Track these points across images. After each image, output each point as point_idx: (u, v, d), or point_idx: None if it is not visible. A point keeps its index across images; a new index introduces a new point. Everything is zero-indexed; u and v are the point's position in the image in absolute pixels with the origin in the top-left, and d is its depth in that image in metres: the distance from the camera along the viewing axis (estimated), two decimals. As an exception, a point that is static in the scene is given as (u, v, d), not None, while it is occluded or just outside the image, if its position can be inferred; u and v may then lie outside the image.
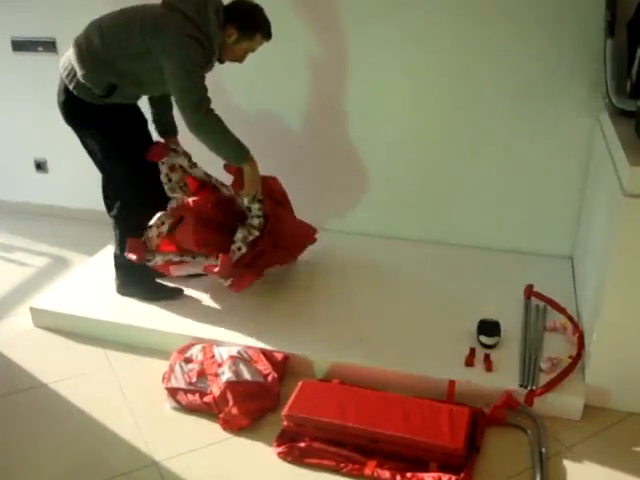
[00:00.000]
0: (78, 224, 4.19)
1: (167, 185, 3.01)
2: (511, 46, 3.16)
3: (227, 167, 2.97)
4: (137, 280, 3.15)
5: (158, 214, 2.97)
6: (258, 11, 2.78)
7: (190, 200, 3.01)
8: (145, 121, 3.00)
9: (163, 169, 2.98)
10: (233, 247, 2.92)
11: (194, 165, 3.11)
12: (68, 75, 2.78)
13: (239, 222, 3.01)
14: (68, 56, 2.79)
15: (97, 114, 2.82)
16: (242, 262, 2.93)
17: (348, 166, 3.65)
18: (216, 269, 2.85)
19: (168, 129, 3.12)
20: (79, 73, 2.72)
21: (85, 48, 2.72)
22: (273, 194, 3.10)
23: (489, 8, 3.12)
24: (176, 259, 3.03)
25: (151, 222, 2.95)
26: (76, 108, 2.84)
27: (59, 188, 4.28)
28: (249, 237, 2.94)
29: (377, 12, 3.26)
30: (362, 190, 3.69)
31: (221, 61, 2.87)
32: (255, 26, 2.77)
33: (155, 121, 3.10)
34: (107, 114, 2.82)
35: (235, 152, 2.81)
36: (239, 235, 2.94)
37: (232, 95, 3.57)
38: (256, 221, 2.96)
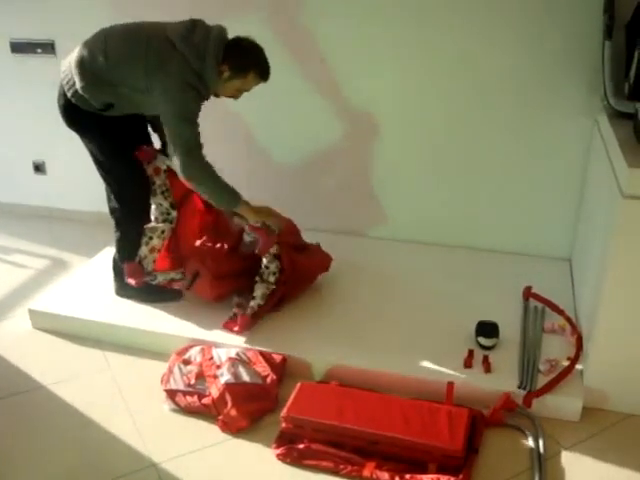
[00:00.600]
0: (76, 226, 4.19)
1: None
2: (509, 48, 3.17)
3: (251, 227, 2.93)
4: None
5: (144, 231, 2.96)
6: (256, 51, 2.75)
7: (207, 253, 2.98)
8: (145, 124, 3.01)
9: (148, 170, 2.96)
10: (252, 304, 2.93)
11: None
12: (67, 83, 2.77)
13: (255, 273, 3.01)
14: (69, 63, 2.77)
15: (95, 120, 2.82)
16: (259, 314, 2.95)
17: (347, 166, 3.66)
18: (236, 328, 2.87)
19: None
20: (78, 85, 2.72)
21: (87, 63, 2.70)
22: (289, 238, 3.08)
23: (487, 10, 3.13)
24: (177, 277, 3.05)
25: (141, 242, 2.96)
26: (75, 113, 2.84)
27: (57, 190, 4.28)
28: (267, 292, 2.96)
29: (371, 15, 3.28)
30: (360, 191, 3.69)
31: (217, 95, 2.86)
32: (249, 66, 2.73)
33: (159, 136, 3.09)
34: (105, 120, 2.82)
35: (225, 197, 2.81)
36: (258, 292, 2.95)
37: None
38: (272, 278, 2.97)
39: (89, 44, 2.73)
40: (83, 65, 2.70)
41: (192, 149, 2.69)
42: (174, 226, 3.00)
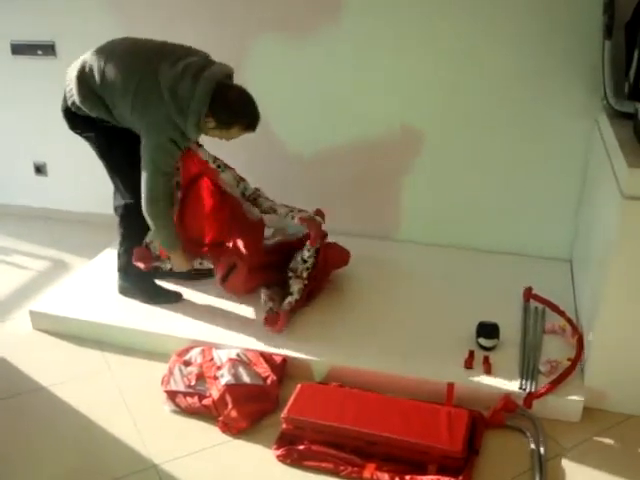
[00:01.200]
0: (77, 227, 4.19)
1: None
2: (508, 48, 3.17)
3: (301, 219, 3.01)
4: (137, 283, 3.16)
5: None
6: (241, 104, 2.71)
7: (242, 246, 3.01)
8: None
9: None
10: (290, 299, 2.95)
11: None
12: (70, 91, 2.82)
13: (279, 266, 3.12)
14: (72, 71, 2.81)
15: (95, 125, 2.85)
16: (295, 310, 2.99)
17: (349, 167, 3.66)
18: (277, 327, 2.88)
19: None
20: (76, 98, 2.78)
21: (85, 80, 2.75)
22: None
23: (486, 10, 3.13)
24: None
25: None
26: (75, 119, 2.89)
27: (58, 191, 4.28)
28: (302, 287, 3.00)
29: (373, 10, 3.27)
30: (362, 193, 3.69)
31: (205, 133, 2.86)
32: (233, 119, 2.70)
33: None
34: (106, 128, 2.86)
35: (165, 244, 2.91)
36: (295, 288, 2.98)
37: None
38: (305, 273, 3.01)
39: (90, 59, 2.76)
40: (81, 80, 2.75)
41: (156, 200, 2.75)
42: (176, 209, 2.99)
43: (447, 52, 3.26)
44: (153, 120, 2.67)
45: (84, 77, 2.74)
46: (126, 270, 3.15)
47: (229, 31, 3.41)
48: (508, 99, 3.27)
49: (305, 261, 3.00)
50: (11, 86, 4.07)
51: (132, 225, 3.05)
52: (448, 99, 3.36)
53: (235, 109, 2.70)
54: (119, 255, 3.16)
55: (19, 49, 3.93)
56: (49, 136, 4.10)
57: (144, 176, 2.73)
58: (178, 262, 2.99)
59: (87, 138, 2.94)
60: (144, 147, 2.71)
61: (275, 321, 2.87)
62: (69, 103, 2.82)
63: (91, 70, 2.74)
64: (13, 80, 4.04)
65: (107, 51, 2.76)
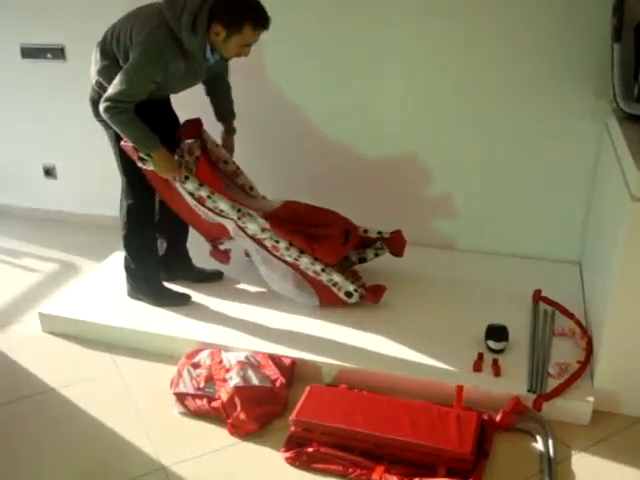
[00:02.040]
0: (87, 230, 4.20)
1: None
2: (517, 50, 3.16)
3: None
4: (145, 285, 3.17)
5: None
6: (243, 1, 2.63)
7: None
8: (171, 122, 3.02)
9: (183, 147, 2.96)
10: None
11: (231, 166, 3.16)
12: (92, 72, 2.85)
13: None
14: (93, 57, 2.86)
15: None
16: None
17: (354, 166, 3.66)
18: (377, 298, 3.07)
19: (220, 109, 3.15)
20: (97, 68, 2.80)
21: (101, 44, 2.79)
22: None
23: (494, 12, 3.13)
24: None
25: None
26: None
27: (68, 194, 4.29)
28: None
29: (379, 11, 3.28)
30: (365, 192, 3.70)
31: (225, 59, 2.85)
32: (240, 18, 2.60)
33: (214, 103, 3.12)
34: None
35: (141, 145, 2.74)
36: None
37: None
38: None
39: (106, 31, 2.81)
40: (98, 48, 2.80)
41: (115, 98, 2.61)
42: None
43: (452, 55, 3.26)
44: (145, 30, 2.60)
45: (99, 46, 2.80)
46: (133, 272, 3.16)
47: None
48: (517, 102, 3.26)
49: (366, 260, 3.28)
50: (21, 89, 4.08)
51: (133, 225, 3.06)
52: (456, 102, 3.36)
53: (239, 5, 2.61)
54: (125, 259, 3.17)
55: (29, 52, 3.94)
56: (58, 139, 4.11)
57: (115, 79, 2.63)
58: (162, 165, 2.79)
59: (106, 126, 2.89)
60: (132, 55, 2.62)
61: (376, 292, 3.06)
62: (93, 82, 2.84)
63: (104, 37, 2.78)
64: (23, 83, 4.05)
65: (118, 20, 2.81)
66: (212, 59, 2.76)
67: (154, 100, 2.83)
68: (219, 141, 3.17)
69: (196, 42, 2.63)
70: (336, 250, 3.06)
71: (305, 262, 2.99)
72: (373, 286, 3.09)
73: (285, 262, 3.02)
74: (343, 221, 3.17)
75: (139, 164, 2.84)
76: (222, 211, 2.91)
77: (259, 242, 2.99)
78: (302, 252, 2.98)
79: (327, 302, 3.08)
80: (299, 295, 3.11)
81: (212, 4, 2.58)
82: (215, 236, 3.18)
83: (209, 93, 3.11)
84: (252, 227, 2.93)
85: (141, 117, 2.74)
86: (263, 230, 2.94)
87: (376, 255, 3.29)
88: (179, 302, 3.16)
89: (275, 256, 3.02)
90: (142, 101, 2.71)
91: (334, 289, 3.04)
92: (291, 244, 2.97)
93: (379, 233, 3.26)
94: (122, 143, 2.82)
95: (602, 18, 2.92)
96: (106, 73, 2.76)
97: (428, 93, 3.39)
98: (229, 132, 3.18)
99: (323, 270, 3.00)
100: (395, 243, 3.26)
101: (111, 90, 2.63)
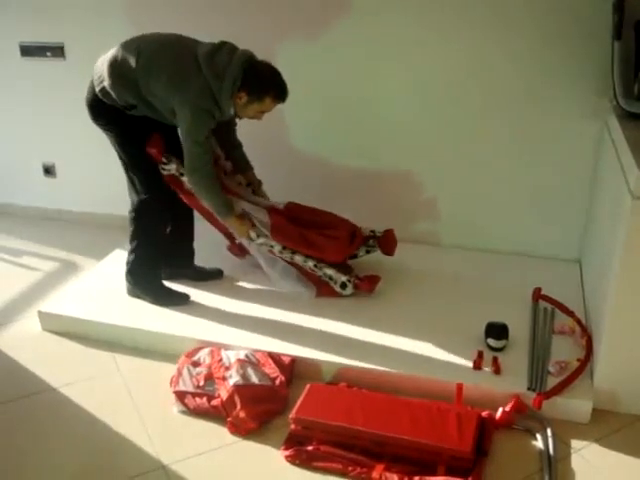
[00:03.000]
0: (86, 228, 4.20)
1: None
2: (517, 49, 3.17)
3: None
4: (145, 284, 3.17)
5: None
6: (270, 74, 2.82)
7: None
8: (169, 127, 3.03)
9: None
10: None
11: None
12: (98, 78, 2.85)
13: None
14: (103, 60, 2.85)
15: (120, 116, 2.89)
16: None
17: (358, 165, 3.66)
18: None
19: (239, 166, 3.27)
20: (106, 82, 2.80)
21: (119, 63, 2.79)
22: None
23: (494, 11, 3.13)
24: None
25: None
26: (100, 108, 2.90)
27: (67, 192, 4.29)
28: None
29: (385, 8, 3.28)
30: (369, 193, 3.69)
31: (239, 117, 2.98)
32: (264, 90, 2.81)
33: (228, 158, 3.23)
34: (129, 116, 2.89)
35: (219, 211, 3.02)
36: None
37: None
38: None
39: (124, 47, 2.82)
40: (114, 65, 2.80)
41: (197, 169, 2.86)
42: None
43: (455, 56, 3.26)
44: (189, 90, 2.73)
45: (116, 63, 2.79)
46: (134, 271, 3.16)
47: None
48: (517, 101, 3.27)
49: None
50: (20, 88, 4.08)
51: (144, 222, 3.07)
52: (456, 103, 3.36)
53: (266, 79, 2.81)
54: (128, 255, 3.17)
55: (28, 51, 3.94)
56: (58, 137, 4.11)
57: (184, 148, 2.84)
58: (237, 229, 3.10)
59: (108, 130, 2.96)
60: (179, 120, 2.79)
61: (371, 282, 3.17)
62: (97, 90, 2.85)
63: (124, 56, 2.79)
64: (22, 82, 4.05)
65: (138, 41, 2.84)
66: (230, 114, 2.91)
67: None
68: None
69: (230, 103, 2.82)
70: (343, 250, 3.18)
71: (299, 260, 3.14)
72: (367, 276, 3.19)
73: (282, 259, 3.17)
74: (347, 223, 3.25)
75: (163, 171, 2.99)
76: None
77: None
78: (294, 252, 3.13)
79: (325, 293, 3.18)
80: (299, 286, 3.21)
81: (244, 74, 2.76)
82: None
83: (224, 146, 3.20)
84: (260, 240, 3.14)
85: (137, 126, 2.89)
86: (259, 236, 3.13)
87: (367, 252, 3.32)
88: (178, 301, 3.16)
89: (272, 253, 3.16)
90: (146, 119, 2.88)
91: (330, 282, 3.14)
92: (284, 248, 3.13)
93: (372, 232, 3.29)
94: (147, 148, 2.93)
95: (602, 16, 2.92)
96: (122, 92, 2.81)
97: (427, 90, 3.40)
98: (255, 185, 3.34)
99: (316, 266, 3.13)
100: (386, 242, 3.30)
101: (188, 166, 2.86)
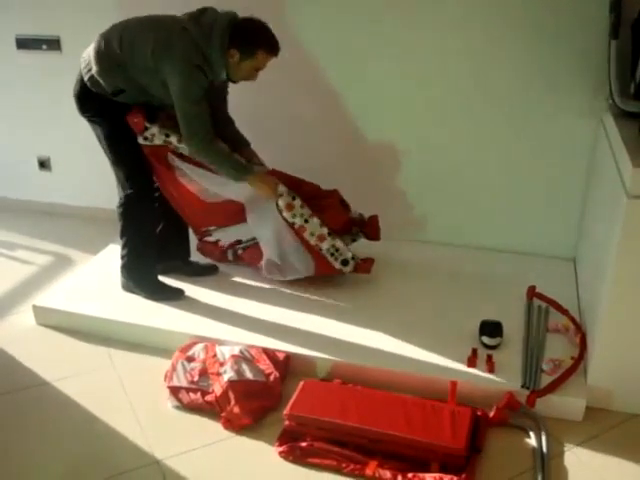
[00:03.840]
0: (81, 222, 4.19)
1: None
2: (514, 47, 3.16)
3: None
4: (139, 279, 3.16)
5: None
6: (259, 28, 2.78)
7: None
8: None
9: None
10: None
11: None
12: (86, 67, 2.84)
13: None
14: (89, 49, 2.85)
15: (107, 105, 2.87)
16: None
17: (354, 167, 3.66)
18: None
19: (236, 143, 3.16)
20: (94, 69, 2.80)
21: (103, 47, 2.79)
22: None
23: (492, 10, 3.13)
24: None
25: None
26: (88, 98, 2.89)
27: (62, 186, 4.28)
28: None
29: (381, 9, 3.27)
30: (365, 192, 3.69)
31: (233, 81, 2.92)
32: (255, 44, 2.77)
33: (221, 137, 3.09)
34: (116, 109, 2.88)
35: (233, 173, 2.93)
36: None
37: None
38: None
39: (106, 34, 2.82)
40: (99, 50, 2.80)
41: (198, 131, 2.80)
42: None
43: (450, 54, 3.26)
44: (176, 50, 2.70)
45: (101, 48, 2.79)
46: (128, 266, 3.15)
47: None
48: (513, 99, 3.27)
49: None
50: (16, 81, 4.06)
51: (131, 217, 3.06)
52: (451, 99, 3.36)
53: (255, 32, 2.78)
54: (121, 250, 3.16)
55: (24, 43, 3.93)
56: (53, 131, 4.10)
57: (179, 116, 2.78)
58: (263, 188, 2.99)
59: (94, 122, 2.94)
60: (171, 86, 2.73)
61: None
62: (86, 79, 2.84)
63: (107, 42, 2.79)
64: (18, 75, 4.04)
65: (120, 26, 2.83)
66: (222, 77, 2.87)
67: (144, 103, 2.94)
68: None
69: (221, 62, 2.77)
70: (341, 217, 3.15)
71: (315, 223, 3.05)
72: (364, 258, 3.18)
73: (291, 225, 3.06)
74: (334, 191, 3.21)
75: (140, 140, 2.92)
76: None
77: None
78: (311, 215, 3.05)
79: (322, 270, 3.13)
80: (299, 264, 3.14)
81: (232, 30, 2.74)
82: (207, 224, 3.26)
83: (216, 125, 3.07)
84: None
85: (123, 118, 2.86)
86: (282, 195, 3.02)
87: (353, 240, 3.26)
88: (173, 297, 3.15)
89: (284, 218, 3.05)
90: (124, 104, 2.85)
91: (331, 259, 3.09)
92: (302, 206, 3.04)
93: (360, 214, 3.28)
94: (128, 116, 2.88)
95: (599, 15, 2.92)
96: (109, 77, 2.80)
97: (423, 89, 3.39)
98: (256, 160, 3.21)
99: (329, 234, 3.06)
100: (371, 227, 3.27)
101: (186, 132, 2.80)
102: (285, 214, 3.03)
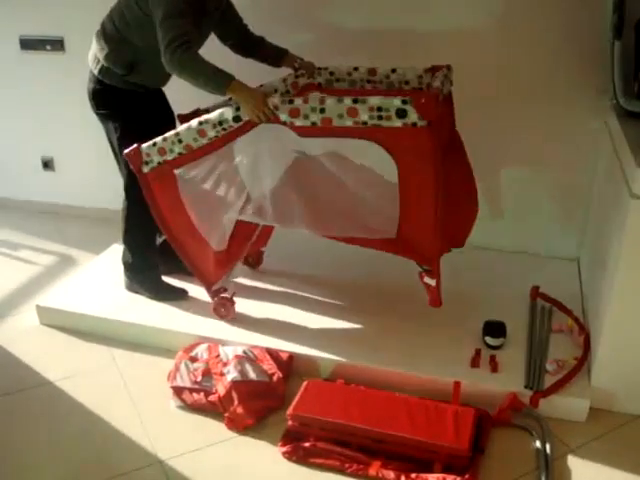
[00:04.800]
0: (85, 222, 4.20)
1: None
2: (518, 48, 3.16)
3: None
4: (143, 279, 3.17)
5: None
6: None
7: None
8: (170, 115, 3.01)
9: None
10: None
11: None
12: (94, 61, 2.85)
13: None
14: (91, 49, 2.86)
15: (122, 101, 2.86)
16: None
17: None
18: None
19: (276, 55, 3.00)
20: (101, 58, 2.80)
21: (102, 32, 2.81)
22: None
23: (498, 9, 3.12)
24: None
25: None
26: (103, 95, 2.88)
27: (66, 186, 4.29)
28: None
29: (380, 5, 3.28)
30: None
31: None
32: None
33: (261, 58, 2.99)
34: (131, 102, 2.87)
35: (215, 84, 2.49)
36: None
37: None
38: None
39: (102, 21, 2.84)
40: (99, 36, 2.82)
41: (173, 40, 2.47)
42: None
43: (454, 54, 3.25)
44: None
45: (100, 34, 2.82)
46: (132, 266, 3.15)
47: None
48: (517, 100, 3.26)
49: None
50: (20, 81, 4.07)
51: (135, 217, 3.05)
52: (455, 99, 3.35)
53: None
54: (124, 250, 3.17)
55: (28, 44, 3.93)
56: (57, 131, 4.11)
57: (159, 31, 2.52)
58: (250, 103, 2.42)
59: (109, 118, 2.91)
60: (154, 9, 2.53)
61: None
62: (96, 72, 2.84)
63: (103, 25, 2.81)
64: (22, 75, 4.04)
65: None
66: None
67: (150, 93, 2.90)
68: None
69: None
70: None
71: (332, 103, 2.35)
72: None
73: (313, 126, 2.41)
74: None
75: (145, 170, 2.71)
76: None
77: None
78: (322, 100, 2.37)
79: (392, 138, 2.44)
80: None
81: None
82: (218, 274, 2.95)
83: (250, 51, 2.97)
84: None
85: (138, 112, 2.83)
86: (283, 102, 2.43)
87: None
88: (177, 297, 3.16)
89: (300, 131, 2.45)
90: (138, 95, 2.81)
91: (382, 121, 2.35)
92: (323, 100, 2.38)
93: None
94: (125, 152, 2.71)
95: (602, 15, 2.91)
96: (116, 55, 2.78)
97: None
98: (297, 62, 3.00)
99: (354, 101, 2.33)
100: None
101: (165, 38, 2.49)
102: (299, 123, 2.41)
